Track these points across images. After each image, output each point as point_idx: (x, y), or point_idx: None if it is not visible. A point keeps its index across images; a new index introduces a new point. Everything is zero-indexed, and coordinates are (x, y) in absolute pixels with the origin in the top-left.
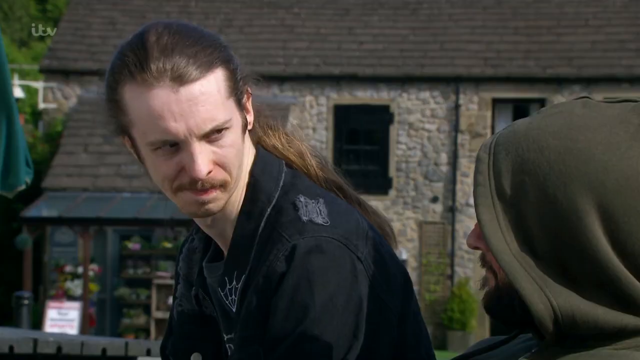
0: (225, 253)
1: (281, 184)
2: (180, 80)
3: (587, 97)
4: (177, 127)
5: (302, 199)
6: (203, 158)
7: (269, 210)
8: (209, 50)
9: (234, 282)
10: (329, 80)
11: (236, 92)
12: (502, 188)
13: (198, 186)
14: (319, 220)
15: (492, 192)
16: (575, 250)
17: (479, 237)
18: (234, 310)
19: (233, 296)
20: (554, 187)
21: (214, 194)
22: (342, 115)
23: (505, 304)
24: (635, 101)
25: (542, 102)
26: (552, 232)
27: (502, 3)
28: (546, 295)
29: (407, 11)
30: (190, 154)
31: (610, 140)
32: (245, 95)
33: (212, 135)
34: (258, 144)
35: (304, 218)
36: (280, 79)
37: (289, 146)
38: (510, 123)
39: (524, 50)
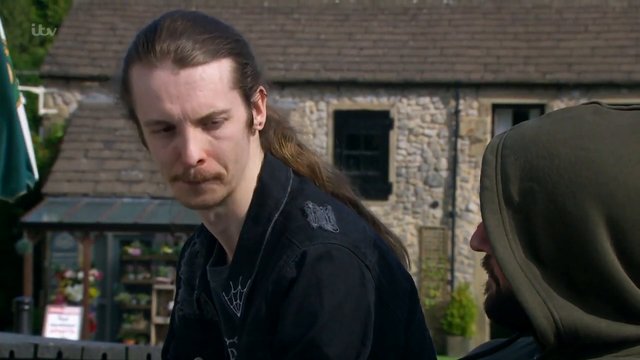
0: (230, 255)
1: (289, 189)
2: (181, 62)
3: (597, 103)
4: (172, 108)
5: (310, 205)
6: (195, 144)
7: (276, 215)
8: (218, 40)
9: (239, 287)
10: (329, 86)
11: (243, 86)
12: (510, 194)
13: (190, 177)
14: (329, 227)
15: (499, 197)
16: (581, 259)
17: (484, 240)
18: (238, 314)
19: (238, 301)
20: (563, 196)
21: (206, 185)
22: (342, 120)
23: (507, 310)
24: None
25: (541, 108)
26: (559, 241)
27: (502, 9)
28: (549, 309)
29: (406, 17)
30: (183, 139)
31: (622, 151)
32: (258, 95)
33: (209, 123)
34: (268, 150)
35: (314, 224)
36: (280, 85)
37: (299, 159)
38: (518, 124)
39: (523, 55)
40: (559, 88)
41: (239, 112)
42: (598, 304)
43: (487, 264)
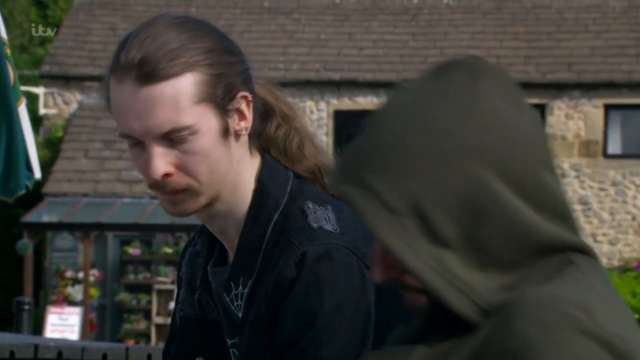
0: (230, 255)
1: (288, 190)
2: (143, 79)
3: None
4: (135, 125)
5: (310, 205)
6: (159, 159)
7: (276, 216)
8: (184, 53)
9: (240, 287)
10: (329, 86)
11: (214, 97)
12: (389, 204)
13: (160, 187)
14: (329, 227)
15: (382, 212)
16: (492, 219)
17: (387, 266)
18: (239, 315)
19: (239, 301)
20: (440, 170)
21: (180, 196)
22: (342, 120)
23: (440, 308)
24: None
25: (542, 108)
26: (456, 214)
27: (502, 9)
28: (471, 299)
29: (407, 17)
30: (148, 154)
31: (474, 106)
32: (242, 101)
33: (174, 139)
34: (267, 151)
35: (314, 224)
36: (280, 85)
37: (299, 159)
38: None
39: (523, 55)
40: (559, 88)
41: (209, 124)
42: (511, 267)
43: (404, 286)
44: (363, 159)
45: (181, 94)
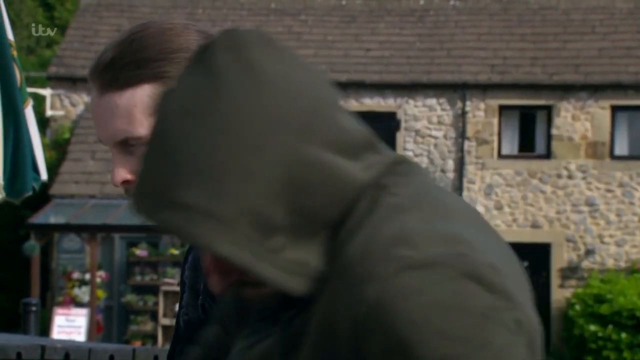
0: None
1: None
2: (103, 88)
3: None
4: (99, 132)
5: None
6: (118, 166)
7: None
8: (154, 64)
9: None
10: (336, 87)
11: None
12: (214, 214)
13: (126, 193)
14: None
15: (209, 225)
16: (309, 185)
17: (224, 273)
18: None
19: None
20: (251, 160)
21: None
22: None
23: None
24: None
25: (548, 109)
26: (282, 197)
27: (509, 10)
28: (306, 275)
29: (413, 18)
30: (112, 160)
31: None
32: None
33: (132, 147)
34: None
35: None
36: None
37: None
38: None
39: (530, 57)
40: (565, 89)
41: None
42: (341, 218)
43: (245, 284)
44: (166, 180)
45: (135, 105)
